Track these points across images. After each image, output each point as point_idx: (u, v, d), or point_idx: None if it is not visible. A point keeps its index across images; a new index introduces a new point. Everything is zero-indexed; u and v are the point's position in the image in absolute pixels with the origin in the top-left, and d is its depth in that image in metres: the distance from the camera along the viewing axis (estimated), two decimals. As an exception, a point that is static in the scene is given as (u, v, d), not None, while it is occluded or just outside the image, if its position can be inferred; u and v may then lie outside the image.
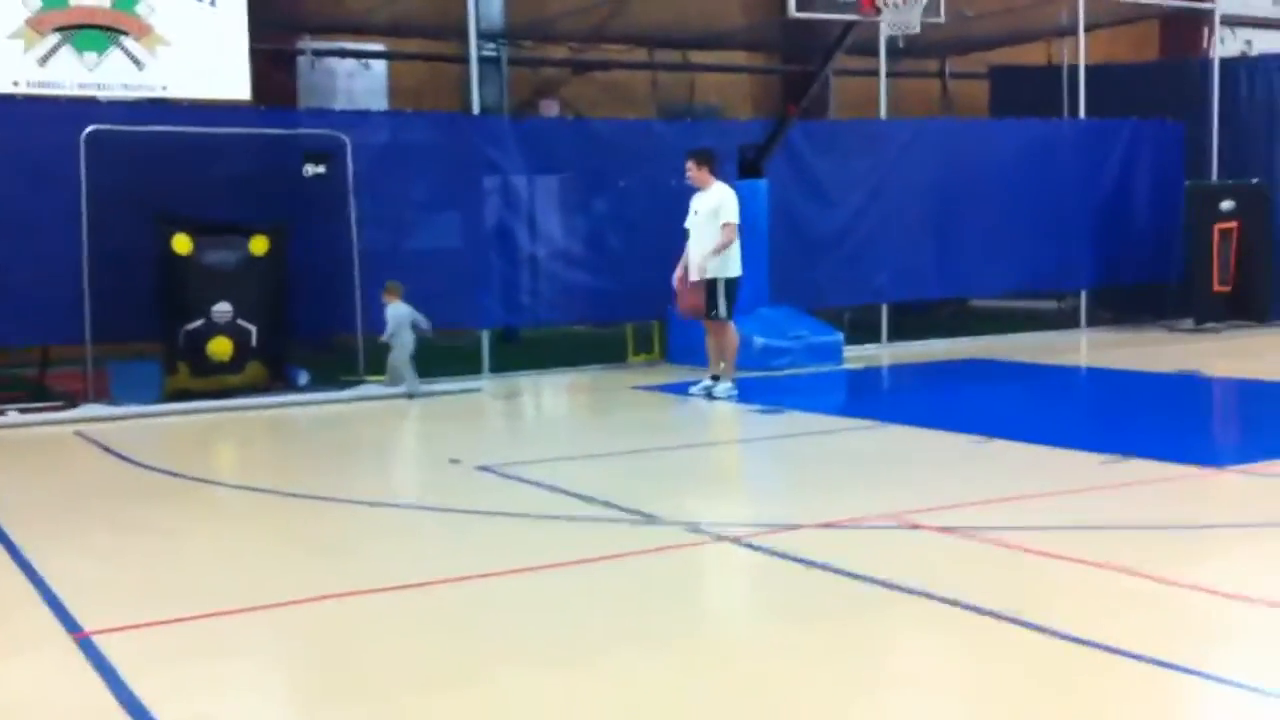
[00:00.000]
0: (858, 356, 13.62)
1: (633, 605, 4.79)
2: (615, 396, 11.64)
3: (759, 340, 12.94)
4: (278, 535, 6.19)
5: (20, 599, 4.89)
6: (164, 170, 11.51)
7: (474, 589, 5.02)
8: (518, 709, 3.73)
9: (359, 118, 13.41)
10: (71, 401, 11.04)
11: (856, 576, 4.98)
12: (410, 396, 11.44)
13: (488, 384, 12.51)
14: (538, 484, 7.04)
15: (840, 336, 13.59)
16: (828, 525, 5.80)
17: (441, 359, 13.05)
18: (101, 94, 11.48)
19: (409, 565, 5.44)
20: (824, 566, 5.09)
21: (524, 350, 14.41)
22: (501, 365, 13.31)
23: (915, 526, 5.73)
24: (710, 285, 10.69)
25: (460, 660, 4.19)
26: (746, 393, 11.07)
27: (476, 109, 13.44)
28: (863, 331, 14.91)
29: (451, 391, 11.97)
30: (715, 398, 10.66)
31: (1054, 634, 4.21)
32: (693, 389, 11.01)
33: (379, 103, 17.24)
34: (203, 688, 3.95)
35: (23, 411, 10.72)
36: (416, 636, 4.45)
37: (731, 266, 10.69)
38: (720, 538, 5.64)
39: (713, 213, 10.68)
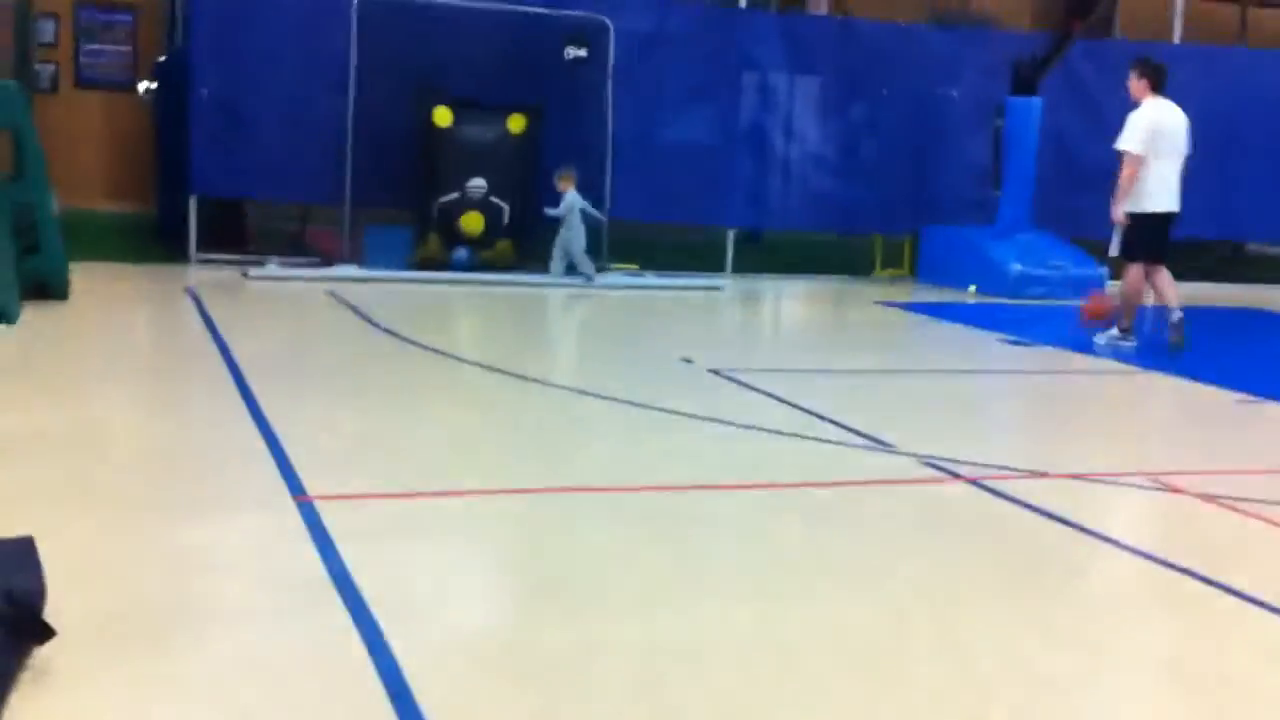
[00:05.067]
0: (1119, 293, 12.83)
1: (849, 540, 4.55)
2: (858, 311, 11.30)
3: (1016, 266, 12.37)
4: (505, 418, 6.17)
5: (252, 456, 4.97)
6: (429, 40, 11.63)
7: (686, 500, 4.87)
8: (709, 634, 3.56)
9: (624, 2, 13.21)
10: (327, 260, 11.37)
11: (1103, 538, 4.61)
12: (588, 280, 11.37)
13: (729, 283, 12.32)
14: (768, 394, 6.83)
15: (1103, 271, 12.84)
16: (1076, 476, 5.41)
17: (683, 254, 12.92)
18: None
19: (626, 466, 5.34)
20: (1067, 522, 4.73)
21: (766, 252, 14.10)
22: (743, 266, 13.10)
23: (1174, 490, 5.29)
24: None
25: (659, 578, 4.04)
26: (996, 319, 10.57)
27: (743, 1, 13.09)
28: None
29: (693, 287, 11.85)
30: (1096, 343, 9.29)
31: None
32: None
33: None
34: (406, 565, 3.93)
35: (281, 264, 11.10)
36: (623, 545, 4.32)
37: (1140, 199, 9.04)
38: (956, 476, 5.33)
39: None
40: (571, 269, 11.47)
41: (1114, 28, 16.82)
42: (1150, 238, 9.10)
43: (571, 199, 11.38)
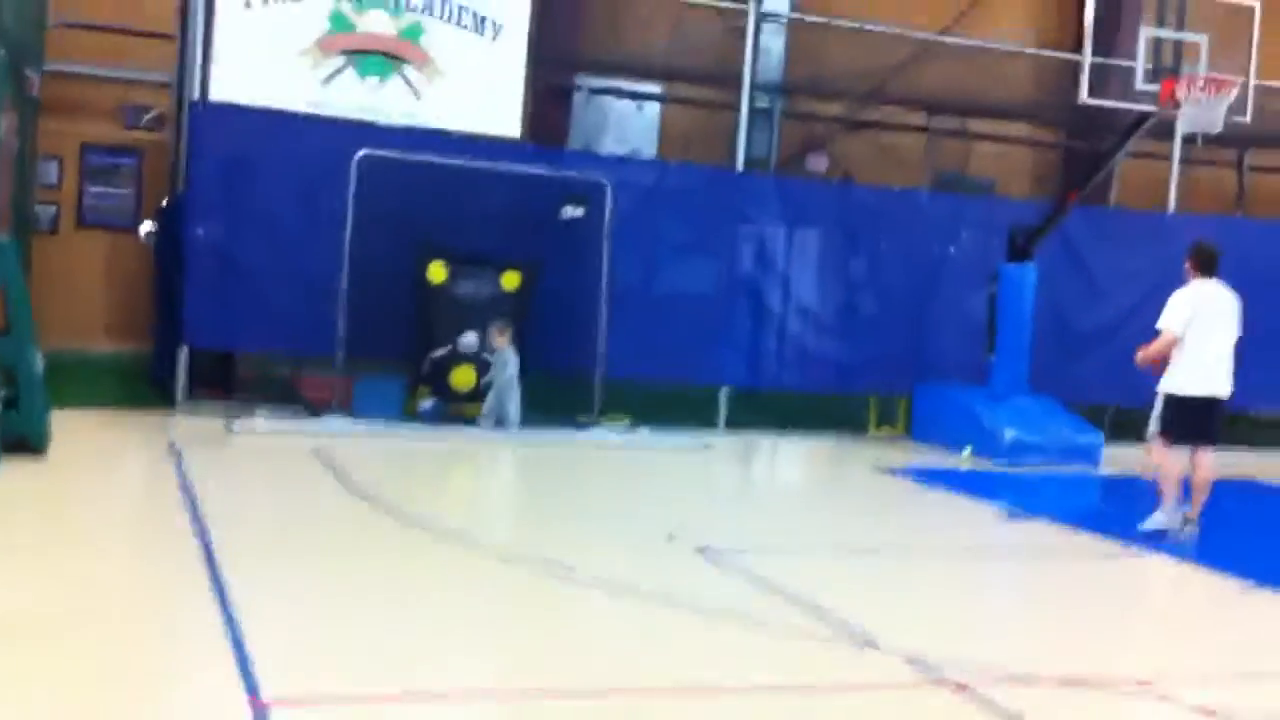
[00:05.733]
0: (1118, 459, 12.70)
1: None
2: (853, 476, 11.15)
3: (1010, 432, 12.25)
4: (476, 605, 5.98)
5: (210, 649, 4.76)
6: (427, 198, 11.68)
7: (650, 710, 4.68)
8: None
9: (623, 163, 13.36)
10: (316, 410, 11.27)
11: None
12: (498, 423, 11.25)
13: (720, 442, 12.18)
14: (755, 577, 6.66)
15: (1099, 437, 12.75)
16: (1067, 682, 5.22)
17: (676, 407, 12.81)
18: (378, 119, 11.73)
19: (592, 666, 5.12)
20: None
21: (760, 407, 13.94)
22: (736, 421, 13.00)
23: (1164, 698, 5.09)
24: None
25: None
26: (991, 488, 10.44)
27: (741, 164, 13.23)
28: (1126, 432, 13.94)
29: (683, 446, 11.72)
30: (1139, 528, 8.78)
31: None
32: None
33: (649, 143, 17.21)
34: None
35: (269, 415, 11.00)
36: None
37: (1170, 380, 8.80)
38: (942, 681, 5.13)
39: None
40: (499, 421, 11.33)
41: (1110, 193, 16.97)
42: (1181, 420, 8.75)
43: (508, 355, 11.29)
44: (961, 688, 5.03)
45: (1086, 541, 8.62)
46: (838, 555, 7.75)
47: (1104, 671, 5.44)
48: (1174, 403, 8.81)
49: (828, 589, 6.52)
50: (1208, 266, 9.05)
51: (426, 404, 11.34)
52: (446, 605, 5.88)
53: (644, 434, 11.81)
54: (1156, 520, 8.82)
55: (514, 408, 11.29)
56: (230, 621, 5.08)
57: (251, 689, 4.35)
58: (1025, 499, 10.21)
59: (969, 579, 7.54)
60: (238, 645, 4.79)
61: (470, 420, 11.33)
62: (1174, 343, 8.77)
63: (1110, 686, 5.24)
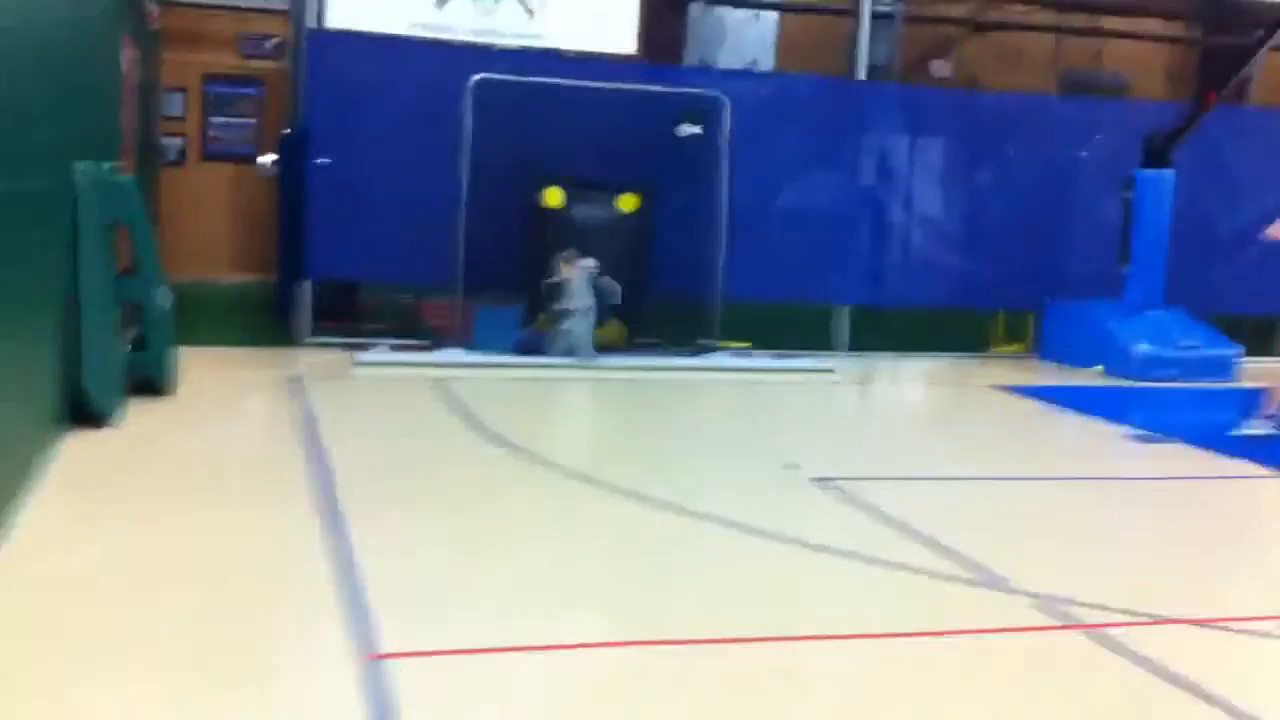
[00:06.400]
0: (1258, 372, 12.22)
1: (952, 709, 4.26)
2: (976, 397, 10.89)
3: (1143, 347, 11.85)
4: (598, 546, 5.94)
5: (328, 599, 4.78)
6: (543, 120, 11.56)
7: (773, 656, 4.59)
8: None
9: (740, 77, 13.08)
10: (437, 339, 11.35)
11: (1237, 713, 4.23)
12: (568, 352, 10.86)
13: (841, 364, 11.99)
14: (876, 511, 6.54)
15: (1236, 350, 12.26)
16: (1206, 623, 5.02)
17: (797, 330, 12.65)
18: (493, 41, 11.63)
19: (714, 610, 5.04)
20: (1199, 691, 4.36)
21: (881, 328, 13.67)
22: (857, 343, 12.79)
23: (1313, 642, 4.88)
24: None
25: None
26: (1124, 406, 10.13)
27: (863, 73, 12.86)
28: (1266, 344, 13.44)
29: (802, 370, 11.56)
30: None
31: None
32: None
33: (767, 54, 16.85)
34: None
35: (392, 347, 11.12)
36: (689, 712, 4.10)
37: None
38: (1070, 622, 4.98)
39: None
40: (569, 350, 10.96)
41: (1250, 91, 16.17)
42: None
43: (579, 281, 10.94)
44: (1091, 629, 4.88)
45: (1221, 464, 8.30)
46: (960, 485, 7.57)
47: (1240, 610, 5.24)
48: None
49: (949, 522, 6.38)
50: None
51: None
52: (562, 547, 5.87)
53: (764, 359, 11.68)
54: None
55: (584, 335, 10.90)
56: (349, 570, 5.12)
57: (366, 641, 4.37)
58: (1159, 420, 9.87)
59: (1099, 509, 7.31)
60: (355, 595, 4.82)
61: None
62: None
63: (1247, 626, 5.04)
